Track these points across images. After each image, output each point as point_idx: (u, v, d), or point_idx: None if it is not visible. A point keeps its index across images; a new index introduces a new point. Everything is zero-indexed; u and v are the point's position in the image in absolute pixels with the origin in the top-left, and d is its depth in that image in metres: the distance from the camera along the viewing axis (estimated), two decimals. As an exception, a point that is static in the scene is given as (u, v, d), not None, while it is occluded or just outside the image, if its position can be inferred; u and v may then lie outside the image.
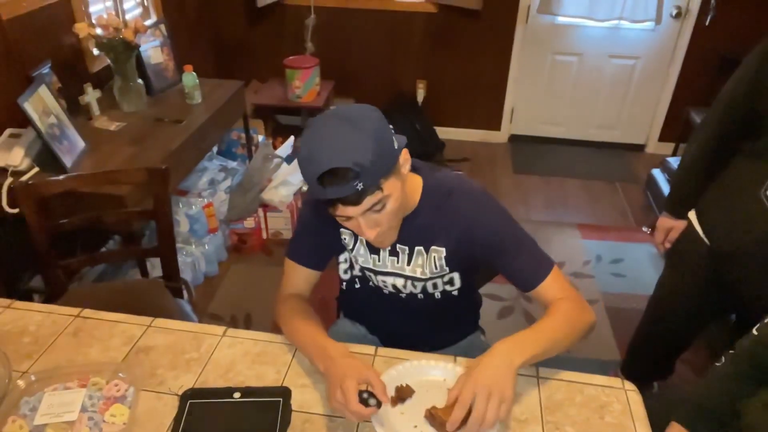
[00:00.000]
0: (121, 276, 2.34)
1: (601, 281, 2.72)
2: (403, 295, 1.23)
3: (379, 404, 0.94)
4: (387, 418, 0.99)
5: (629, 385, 1.08)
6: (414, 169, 1.12)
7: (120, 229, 2.09)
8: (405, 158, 1.03)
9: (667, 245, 1.64)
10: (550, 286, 1.11)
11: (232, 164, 2.90)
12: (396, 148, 0.98)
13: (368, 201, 0.95)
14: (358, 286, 1.27)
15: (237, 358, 1.12)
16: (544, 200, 3.36)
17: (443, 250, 1.15)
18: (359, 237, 1.17)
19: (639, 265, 2.83)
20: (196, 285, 2.61)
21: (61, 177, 1.55)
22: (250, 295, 2.61)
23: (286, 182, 2.87)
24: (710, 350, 2.17)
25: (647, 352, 1.89)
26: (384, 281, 1.21)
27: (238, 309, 2.52)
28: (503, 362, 0.95)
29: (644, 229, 3.07)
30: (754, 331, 1.10)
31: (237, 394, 1.02)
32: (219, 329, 1.19)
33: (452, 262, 1.16)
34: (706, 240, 1.48)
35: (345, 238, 1.19)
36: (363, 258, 1.20)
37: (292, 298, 1.20)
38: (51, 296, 1.64)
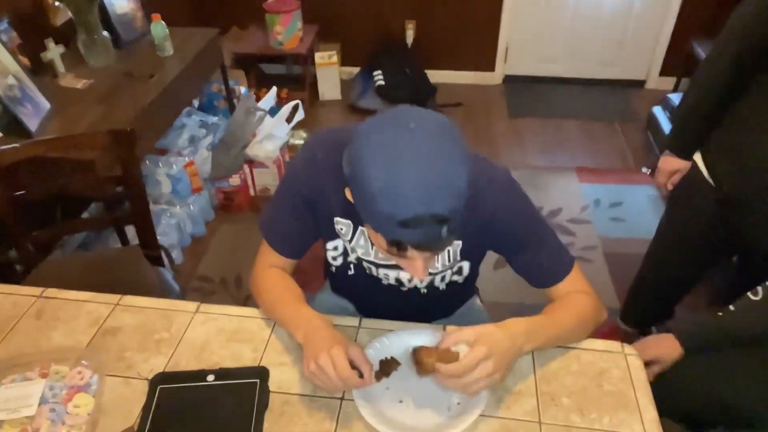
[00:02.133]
0: (103, 244, 2.26)
1: (599, 226, 2.64)
2: (405, 289, 1.13)
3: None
4: (371, 394, 0.93)
5: (629, 349, 1.02)
6: None
7: (96, 195, 1.99)
8: None
9: (670, 187, 1.55)
10: (567, 287, 1.02)
11: (213, 119, 2.76)
12: None
13: (447, 247, 0.82)
14: (352, 272, 1.13)
15: (211, 336, 1.05)
16: (540, 144, 3.24)
17: (459, 243, 1.03)
18: (360, 228, 1.02)
19: (639, 208, 2.75)
20: (183, 247, 2.54)
21: (18, 144, 1.44)
22: (240, 255, 2.55)
23: (271, 136, 2.75)
24: (711, 293, 2.12)
25: (648, 297, 1.83)
26: (386, 274, 1.09)
27: (227, 270, 2.45)
28: (514, 345, 0.89)
29: (644, 170, 2.97)
30: None
31: (211, 377, 0.95)
32: (191, 305, 1.12)
33: (466, 253, 1.05)
34: (711, 182, 1.39)
35: (341, 228, 1.03)
36: (363, 249, 1.05)
37: (272, 269, 1.08)
38: (26, 270, 1.56)
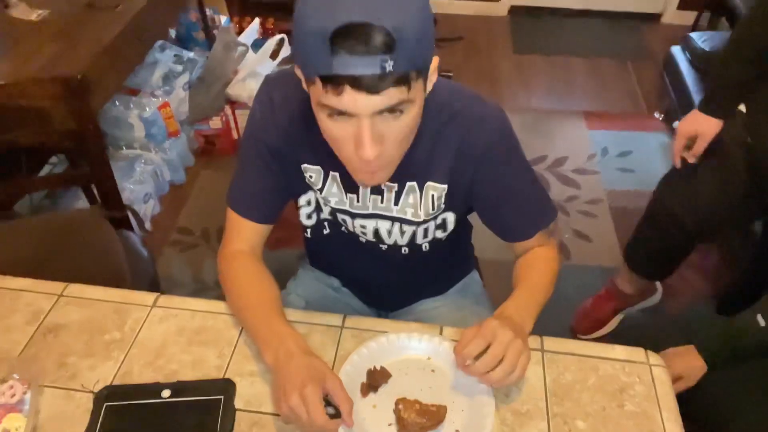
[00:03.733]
0: (68, 203, 2.07)
1: (606, 177, 2.47)
2: (384, 247, 0.98)
3: (336, 416, 0.74)
4: (355, 414, 0.80)
5: (655, 358, 0.88)
6: None
7: (58, 149, 1.79)
8: (434, 67, 0.75)
9: (688, 159, 1.38)
10: (536, 241, 0.96)
11: (189, 55, 2.51)
12: (433, 43, 0.71)
13: (391, 94, 0.67)
14: (327, 231, 1.01)
15: (169, 337, 0.90)
16: (547, 84, 3.01)
17: (443, 187, 0.89)
18: (330, 173, 0.89)
19: (649, 157, 2.57)
20: (160, 195, 2.36)
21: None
22: (223, 204, 2.36)
23: (254, 74, 2.50)
24: (727, 259, 1.99)
25: (653, 242, 1.67)
26: (363, 226, 0.95)
27: (210, 220, 2.29)
28: (516, 326, 0.80)
29: (656, 115, 2.77)
30: None
31: (166, 392, 0.81)
32: (148, 298, 0.96)
33: (450, 201, 0.91)
34: (749, 140, 1.23)
35: (311, 176, 0.91)
36: (336, 198, 0.92)
37: (241, 258, 0.93)
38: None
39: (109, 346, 0.89)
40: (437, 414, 0.78)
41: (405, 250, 0.98)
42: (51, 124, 1.46)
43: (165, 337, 0.90)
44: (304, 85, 0.73)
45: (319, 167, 0.90)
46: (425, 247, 0.98)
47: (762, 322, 0.98)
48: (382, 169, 0.78)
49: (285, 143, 0.89)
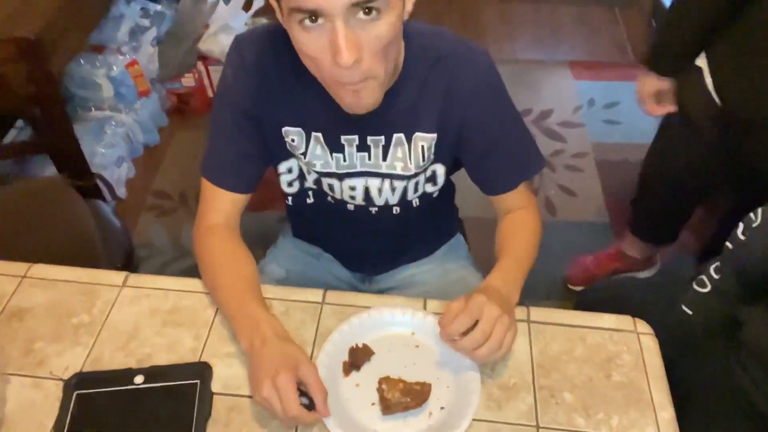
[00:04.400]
0: (36, 171, 1.97)
1: (592, 129, 2.42)
2: (374, 210, 0.94)
3: (311, 405, 0.71)
4: (337, 394, 0.77)
5: (643, 326, 0.86)
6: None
7: (17, 113, 1.69)
8: None
9: (660, 111, 1.35)
10: (519, 195, 0.94)
11: (156, 8, 2.37)
12: None
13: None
14: (310, 201, 0.97)
15: (142, 318, 0.86)
16: (532, 34, 2.91)
17: (432, 136, 0.86)
18: (313, 134, 0.85)
19: (636, 108, 2.49)
20: (134, 158, 2.28)
21: None
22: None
23: (226, 27, 2.38)
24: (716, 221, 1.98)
25: (652, 216, 1.67)
26: (352, 187, 0.90)
27: (187, 183, 2.22)
28: (503, 299, 0.78)
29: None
30: (740, 235, 0.85)
31: (139, 378, 0.78)
32: (118, 277, 0.91)
33: (439, 152, 0.88)
34: (717, 100, 1.19)
35: (293, 140, 0.86)
36: (321, 161, 0.87)
37: (217, 233, 0.88)
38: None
39: (78, 330, 0.84)
40: (421, 392, 0.76)
41: (396, 209, 0.94)
42: (8, 89, 1.37)
43: (137, 319, 0.86)
44: (276, 9, 0.70)
45: (299, 129, 0.85)
46: (416, 202, 0.94)
47: (689, 312, 0.95)
48: (366, 86, 0.72)
49: (261, 106, 0.84)
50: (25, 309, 0.87)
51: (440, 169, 0.91)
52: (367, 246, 1.05)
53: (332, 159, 0.87)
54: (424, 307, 0.88)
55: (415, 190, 0.92)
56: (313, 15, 0.64)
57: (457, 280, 1.08)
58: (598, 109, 2.51)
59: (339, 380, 0.79)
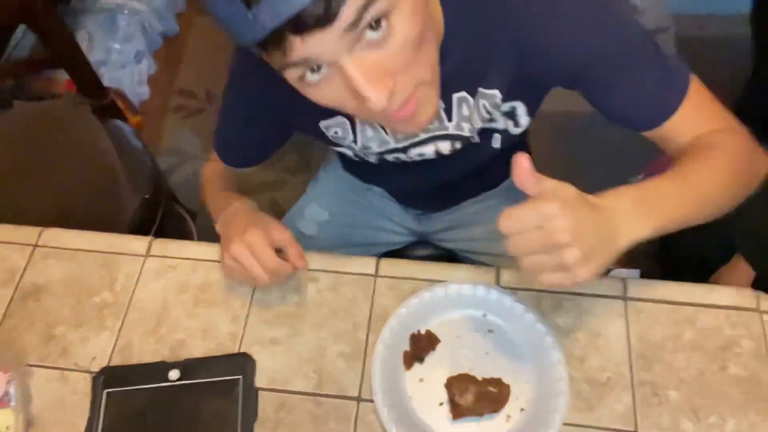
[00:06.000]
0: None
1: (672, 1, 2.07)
2: (447, 153, 0.76)
3: None
4: (398, 392, 0.67)
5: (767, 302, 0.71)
6: None
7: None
8: None
9: None
10: (686, 120, 0.63)
11: None
12: None
13: (348, 8, 0.44)
14: (373, 161, 0.79)
15: (170, 296, 0.75)
16: None
17: (497, 93, 0.65)
18: (358, 119, 0.68)
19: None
20: (154, 51, 2.08)
21: None
22: (226, 56, 2.09)
23: None
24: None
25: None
26: (421, 154, 0.74)
27: (212, 79, 2.03)
28: (609, 223, 0.52)
29: None
30: None
31: (174, 373, 0.68)
32: (140, 244, 0.79)
33: (513, 95, 0.67)
34: None
35: (336, 132, 0.71)
36: (376, 141, 0.71)
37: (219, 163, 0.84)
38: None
39: (102, 311, 0.74)
40: (499, 396, 0.64)
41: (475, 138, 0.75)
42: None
43: (165, 297, 0.75)
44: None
45: (338, 117, 0.69)
46: (495, 144, 0.75)
47: None
48: (413, 104, 0.54)
49: (283, 109, 0.72)
50: (41, 286, 0.76)
51: (521, 108, 0.70)
52: (432, 186, 0.89)
53: (388, 135, 0.70)
54: (497, 281, 0.73)
55: (488, 136, 0.73)
56: (310, 66, 0.48)
57: None
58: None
59: (400, 374, 0.68)
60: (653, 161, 1.64)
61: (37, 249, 0.79)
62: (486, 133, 0.72)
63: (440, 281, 0.72)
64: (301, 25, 0.43)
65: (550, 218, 0.49)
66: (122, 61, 1.93)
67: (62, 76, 1.88)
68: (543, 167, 0.54)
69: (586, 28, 0.60)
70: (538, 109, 0.71)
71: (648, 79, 0.62)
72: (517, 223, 0.51)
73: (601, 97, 0.64)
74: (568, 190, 0.51)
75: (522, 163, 0.50)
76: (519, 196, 0.51)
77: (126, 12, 1.96)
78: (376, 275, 0.75)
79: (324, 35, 0.44)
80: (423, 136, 0.70)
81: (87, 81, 1.23)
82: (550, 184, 0.51)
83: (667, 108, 0.63)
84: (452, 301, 0.71)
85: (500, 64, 0.63)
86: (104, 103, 1.27)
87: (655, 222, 0.55)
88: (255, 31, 0.44)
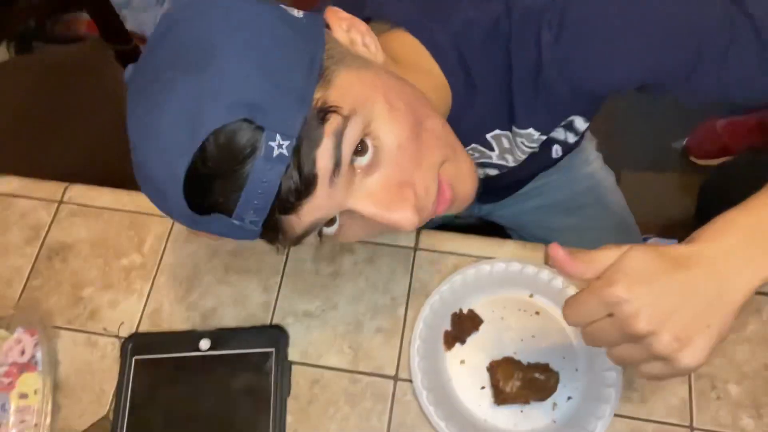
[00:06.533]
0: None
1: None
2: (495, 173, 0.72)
3: None
4: (437, 372, 0.63)
5: (842, 294, 0.65)
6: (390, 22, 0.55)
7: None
8: (345, 23, 0.46)
9: None
10: None
11: None
12: (303, 22, 0.42)
13: (322, 159, 0.40)
14: None
15: (201, 262, 0.72)
16: None
17: (532, 131, 0.59)
18: None
19: None
20: None
21: None
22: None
23: None
24: None
25: None
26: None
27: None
28: (716, 290, 0.41)
29: None
30: None
31: (205, 343, 0.65)
32: (167, 205, 0.75)
33: (564, 116, 0.61)
34: None
35: None
36: None
37: None
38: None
39: (130, 273, 0.71)
40: (546, 384, 0.61)
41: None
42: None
43: (195, 262, 0.72)
44: None
45: None
46: (556, 153, 0.70)
47: None
48: (447, 189, 0.48)
49: None
50: (67, 245, 0.73)
51: (578, 120, 0.62)
52: (487, 188, 0.83)
53: None
54: (546, 259, 0.68)
55: (546, 144, 0.66)
56: (320, 226, 0.45)
57: (587, 191, 0.87)
58: None
59: (440, 354, 0.65)
60: (699, 123, 1.55)
61: (63, 206, 0.76)
62: (546, 143, 0.66)
63: (485, 257, 0.68)
64: (286, 206, 0.40)
65: (618, 305, 0.41)
66: (144, 4, 1.86)
67: (82, 17, 1.83)
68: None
69: (633, 43, 0.50)
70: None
71: (742, 60, 0.51)
72: (582, 316, 0.44)
73: (690, 95, 0.55)
74: (634, 258, 0.41)
75: (556, 255, 0.43)
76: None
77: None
78: (416, 248, 0.70)
79: (314, 199, 0.40)
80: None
81: (109, 24, 1.17)
82: (606, 257, 0.43)
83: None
84: (497, 280, 0.67)
85: (533, 102, 0.56)
86: (126, 49, 1.21)
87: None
88: (252, 233, 0.42)
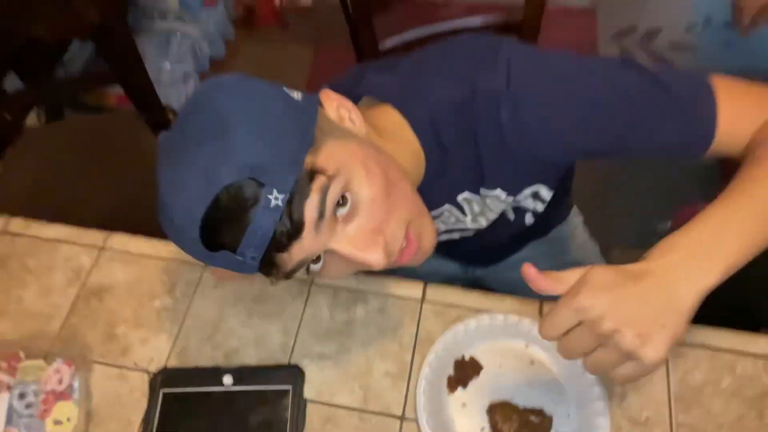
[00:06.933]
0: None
1: (706, 54, 2.12)
2: (473, 235, 0.82)
3: None
4: (442, 414, 0.69)
5: (806, 354, 0.72)
6: (376, 97, 0.67)
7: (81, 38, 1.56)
8: (335, 102, 0.58)
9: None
10: (731, 128, 0.59)
11: None
12: (300, 103, 0.53)
13: (309, 211, 0.50)
14: None
15: (227, 305, 0.79)
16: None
17: (500, 192, 0.69)
18: None
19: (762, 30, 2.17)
20: (201, 72, 2.17)
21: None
22: (268, 78, 2.17)
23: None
24: None
25: None
26: (444, 242, 0.82)
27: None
28: (667, 296, 0.48)
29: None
30: None
31: (228, 379, 0.71)
32: (199, 254, 0.83)
33: (526, 184, 0.71)
34: None
35: None
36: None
37: None
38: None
39: (161, 315, 0.78)
40: (540, 426, 0.66)
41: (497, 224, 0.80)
42: (73, 13, 1.25)
43: (221, 307, 0.79)
44: None
45: None
46: (528, 220, 0.79)
47: None
48: (413, 242, 0.58)
49: None
50: (105, 287, 0.81)
51: (543, 189, 0.71)
52: (473, 250, 0.92)
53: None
54: (540, 312, 0.76)
55: (518, 211, 0.77)
56: (308, 263, 0.55)
57: (574, 262, 0.95)
58: (716, 28, 2.18)
59: (443, 396, 0.70)
60: (683, 206, 1.66)
61: (103, 252, 0.84)
62: (518, 211, 0.76)
63: (485, 310, 0.75)
64: (280, 246, 0.50)
65: (585, 310, 0.48)
66: (172, 80, 2.02)
67: (112, 90, 1.98)
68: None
69: (573, 119, 0.60)
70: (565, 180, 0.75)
71: (667, 120, 0.60)
72: (555, 327, 0.51)
73: (626, 155, 0.66)
74: (596, 273, 0.49)
75: (529, 274, 0.53)
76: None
77: (179, 35, 2.05)
78: (423, 300, 0.78)
79: (302, 241, 0.50)
80: (442, 227, 0.75)
81: (147, 99, 1.30)
82: (572, 275, 0.51)
83: (703, 135, 0.60)
84: (496, 331, 0.74)
85: (499, 165, 0.66)
86: (160, 120, 1.33)
87: (720, 264, 0.49)
88: (252, 267, 0.51)
